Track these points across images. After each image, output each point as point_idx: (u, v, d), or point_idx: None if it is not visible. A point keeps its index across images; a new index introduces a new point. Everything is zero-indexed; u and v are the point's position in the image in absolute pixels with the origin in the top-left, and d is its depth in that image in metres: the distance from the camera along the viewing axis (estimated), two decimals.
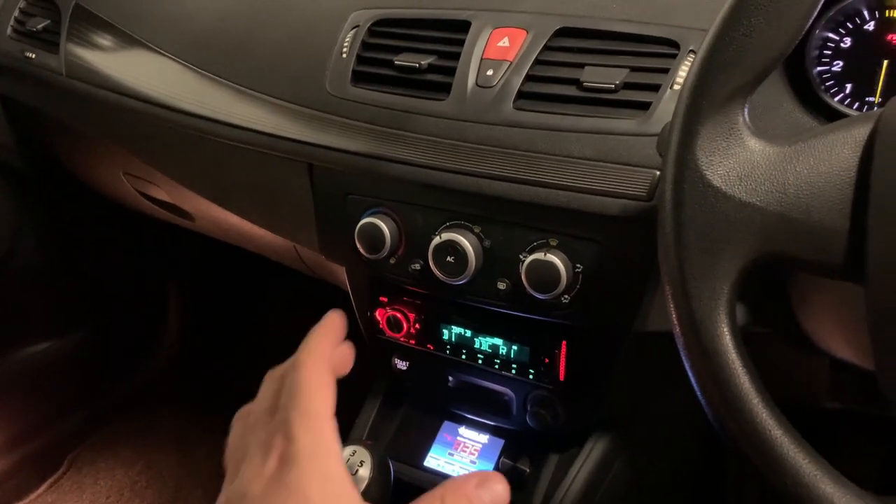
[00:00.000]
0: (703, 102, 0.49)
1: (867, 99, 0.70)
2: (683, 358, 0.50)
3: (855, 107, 0.70)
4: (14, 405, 1.51)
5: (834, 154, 0.47)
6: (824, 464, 0.46)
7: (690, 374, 0.50)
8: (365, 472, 0.65)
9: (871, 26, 0.69)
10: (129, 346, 1.72)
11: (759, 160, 0.48)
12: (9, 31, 1.23)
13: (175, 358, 1.76)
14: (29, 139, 1.36)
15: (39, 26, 1.17)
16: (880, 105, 0.69)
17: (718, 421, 0.49)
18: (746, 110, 0.49)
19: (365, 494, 0.65)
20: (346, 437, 0.98)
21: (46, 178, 1.44)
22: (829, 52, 0.70)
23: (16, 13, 1.23)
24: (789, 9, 0.47)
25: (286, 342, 1.95)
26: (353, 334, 0.97)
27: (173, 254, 1.72)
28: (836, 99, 0.71)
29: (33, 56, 1.17)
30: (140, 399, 1.70)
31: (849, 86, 0.70)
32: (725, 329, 0.48)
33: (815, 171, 0.47)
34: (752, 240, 0.48)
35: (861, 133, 0.46)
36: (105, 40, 1.09)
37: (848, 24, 0.69)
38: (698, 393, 0.50)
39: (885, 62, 0.68)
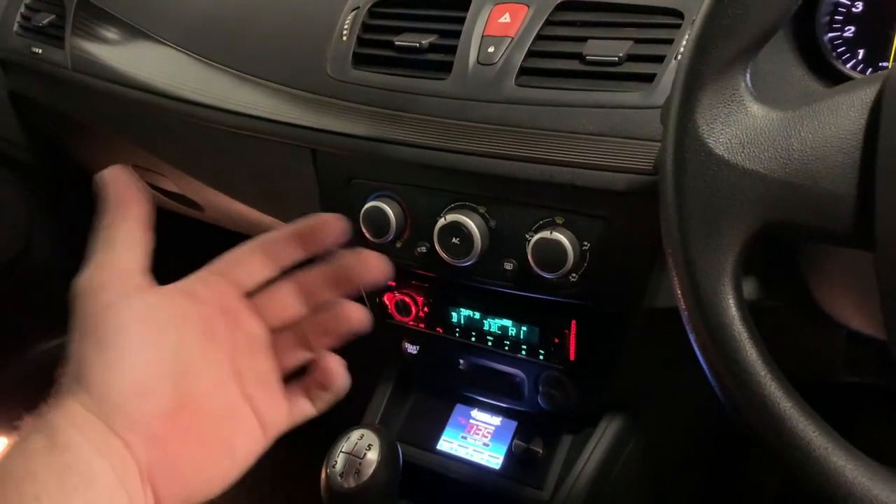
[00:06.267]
0: (703, 68, 0.47)
1: (880, 64, 0.68)
2: (689, 331, 0.49)
3: (868, 73, 0.68)
4: (30, 400, 1.52)
5: (839, 118, 0.45)
6: (835, 436, 0.45)
7: (696, 347, 0.49)
8: (373, 455, 0.65)
9: None
10: None
11: (762, 126, 0.47)
12: (15, 27, 1.23)
13: None
14: (40, 135, 1.36)
15: (45, 21, 1.18)
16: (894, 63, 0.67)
17: (726, 395, 0.48)
18: (748, 75, 0.48)
19: (373, 477, 0.65)
20: (357, 421, 0.98)
21: (59, 174, 1.44)
22: (841, 18, 0.69)
23: (22, 9, 1.24)
24: None
25: None
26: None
27: (186, 247, 1.72)
28: (849, 66, 0.69)
29: (40, 51, 1.17)
30: None
31: (861, 51, 0.68)
32: (731, 300, 0.47)
33: (820, 136, 0.45)
34: (757, 208, 0.46)
35: (867, 95, 0.45)
36: (109, 33, 1.09)
37: None
38: (705, 367, 0.49)
39: None
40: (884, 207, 0.43)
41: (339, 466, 0.65)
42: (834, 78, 0.68)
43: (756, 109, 0.47)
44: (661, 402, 0.93)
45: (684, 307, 0.49)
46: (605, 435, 0.86)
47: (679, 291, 0.49)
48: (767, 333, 0.50)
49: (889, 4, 0.67)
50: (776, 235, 0.48)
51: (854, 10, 0.68)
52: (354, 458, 0.65)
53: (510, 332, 0.84)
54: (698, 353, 0.49)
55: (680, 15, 0.70)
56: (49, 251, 1.48)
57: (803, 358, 0.79)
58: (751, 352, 0.46)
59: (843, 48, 0.69)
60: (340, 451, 0.66)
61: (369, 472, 0.64)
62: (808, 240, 0.55)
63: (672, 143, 0.48)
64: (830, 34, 0.69)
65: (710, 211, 0.47)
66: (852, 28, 0.68)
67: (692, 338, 0.49)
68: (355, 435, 0.67)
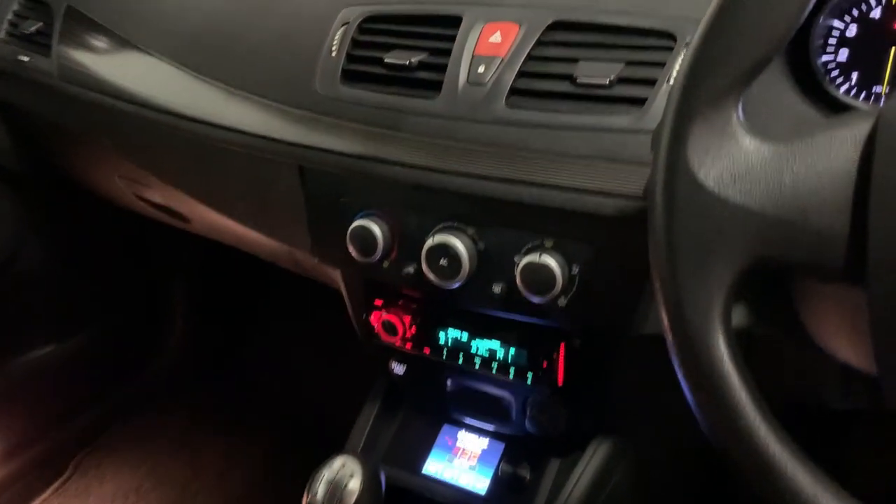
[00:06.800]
0: (694, 100, 0.46)
1: (874, 89, 0.67)
2: (677, 369, 0.48)
3: (861, 97, 0.67)
4: (18, 409, 1.51)
5: (832, 153, 0.44)
6: (825, 480, 0.44)
7: (684, 384, 0.48)
8: (355, 484, 0.64)
9: (877, 13, 0.66)
10: (133, 348, 1.71)
11: (754, 160, 0.46)
12: (2, 34, 1.22)
13: (180, 360, 1.75)
14: (27, 142, 1.35)
15: (32, 29, 1.16)
16: (888, 96, 0.66)
17: (714, 435, 0.47)
18: (741, 107, 0.47)
19: None
20: (344, 439, 0.97)
21: (47, 180, 1.43)
22: (834, 41, 0.68)
23: (9, 16, 1.22)
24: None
25: (292, 345, 1.94)
26: (349, 336, 0.96)
27: (177, 255, 1.71)
28: (842, 90, 0.68)
29: (26, 59, 1.16)
30: (145, 402, 1.70)
31: (854, 75, 0.68)
32: (720, 338, 0.46)
33: (813, 171, 0.44)
34: (748, 244, 0.45)
35: (860, 131, 0.44)
36: (97, 42, 1.07)
37: (853, 10, 0.67)
38: (692, 405, 0.48)
39: (893, 49, 0.66)
40: (876, 244, 0.42)
41: (320, 495, 0.64)
42: (827, 102, 0.67)
43: (748, 143, 0.46)
44: (650, 426, 0.92)
45: (673, 343, 0.48)
46: (593, 459, 0.85)
47: (667, 327, 0.48)
48: (757, 358, 0.49)
49: (883, 28, 0.66)
50: (767, 271, 0.47)
51: (847, 33, 0.68)
52: (336, 486, 0.64)
53: (498, 355, 0.83)
54: (686, 390, 0.48)
55: (672, 37, 0.69)
56: (37, 259, 1.47)
57: (793, 384, 0.78)
58: (740, 393, 0.45)
59: (837, 72, 0.68)
60: (322, 480, 0.65)
61: (351, 501, 0.63)
62: (800, 275, 0.54)
63: (662, 176, 0.47)
64: (824, 57, 0.68)
65: (699, 246, 0.46)
66: (846, 51, 0.68)
67: (680, 375, 0.48)
68: (337, 463, 0.65)
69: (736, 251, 0.46)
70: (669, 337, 0.48)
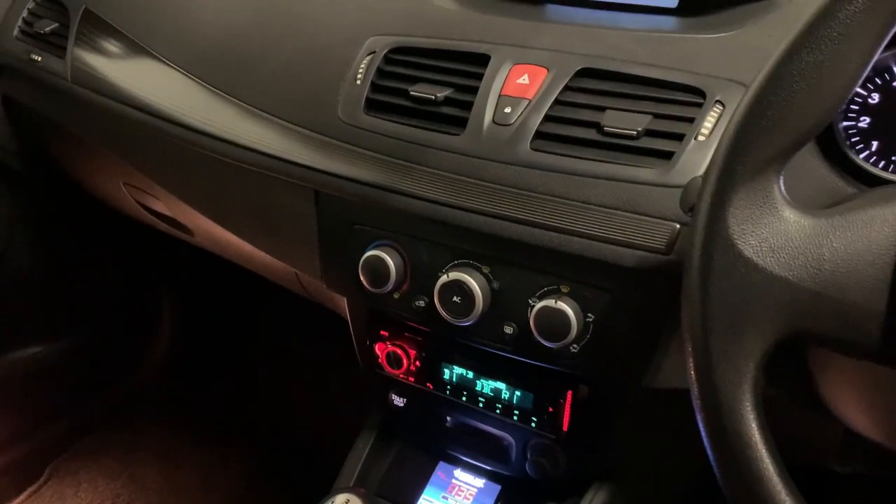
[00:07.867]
0: (737, 168, 0.46)
1: (893, 158, 0.68)
2: (703, 436, 0.48)
3: (881, 165, 0.68)
4: (3, 408, 1.48)
5: (873, 232, 0.45)
6: None
7: (710, 452, 0.48)
8: None
9: None
10: (118, 355, 1.69)
11: (793, 232, 0.46)
12: (16, 31, 1.21)
13: (165, 369, 1.73)
14: (29, 141, 1.33)
15: (47, 29, 1.15)
16: None
17: (735, 498, 0.47)
18: (782, 178, 0.47)
19: None
20: (330, 466, 0.95)
21: (43, 181, 1.41)
22: (857, 108, 0.68)
23: (24, 14, 1.21)
24: (833, 76, 0.45)
25: (280, 359, 1.91)
26: (344, 361, 0.95)
27: (169, 263, 1.69)
28: (862, 156, 0.69)
29: (39, 59, 1.14)
30: (127, 410, 1.67)
31: (875, 143, 0.68)
32: (750, 409, 0.46)
33: (853, 249, 0.45)
34: (783, 316, 0.45)
35: None
36: (113, 47, 1.06)
37: (876, 79, 0.68)
38: (715, 467, 0.48)
39: None
40: None
41: None
42: (847, 168, 0.68)
43: (788, 214, 0.47)
44: (651, 474, 0.91)
45: (700, 408, 0.48)
46: None
47: (696, 389, 0.48)
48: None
49: None
50: (800, 344, 0.47)
51: (870, 100, 0.68)
52: None
53: (503, 396, 0.82)
54: (711, 458, 0.48)
55: (702, 94, 0.69)
56: (24, 260, 1.44)
57: (794, 444, 0.78)
58: (768, 465, 0.45)
59: (858, 138, 0.69)
60: None
61: None
62: (833, 351, 0.54)
63: (700, 239, 0.47)
64: (846, 123, 0.69)
65: (734, 315, 0.46)
66: (867, 119, 0.68)
67: (706, 441, 0.48)
68: (340, 499, 0.64)
69: (771, 322, 0.46)
70: (697, 400, 0.48)
